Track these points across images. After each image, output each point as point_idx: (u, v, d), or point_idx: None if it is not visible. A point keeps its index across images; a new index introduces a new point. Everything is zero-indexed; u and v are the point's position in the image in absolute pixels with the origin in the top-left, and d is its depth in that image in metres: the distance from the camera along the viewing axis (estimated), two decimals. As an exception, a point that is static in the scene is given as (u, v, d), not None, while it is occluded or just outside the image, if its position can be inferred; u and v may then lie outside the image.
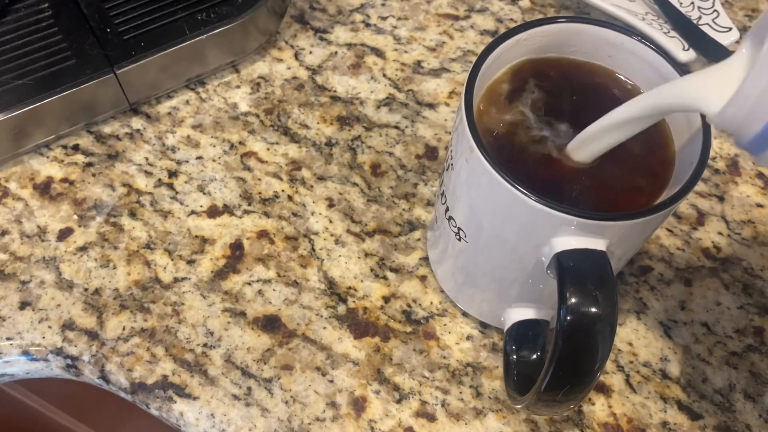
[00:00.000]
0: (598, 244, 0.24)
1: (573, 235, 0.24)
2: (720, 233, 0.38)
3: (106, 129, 0.40)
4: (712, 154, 0.41)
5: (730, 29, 0.42)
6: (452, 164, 0.28)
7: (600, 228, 0.24)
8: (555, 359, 0.24)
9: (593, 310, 0.24)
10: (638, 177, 0.27)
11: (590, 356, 0.24)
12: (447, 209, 0.30)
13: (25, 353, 0.34)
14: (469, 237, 0.29)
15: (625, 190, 0.27)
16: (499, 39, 0.27)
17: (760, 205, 0.39)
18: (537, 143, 0.28)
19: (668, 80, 0.27)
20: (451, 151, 0.28)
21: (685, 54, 0.41)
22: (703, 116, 0.26)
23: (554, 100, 0.29)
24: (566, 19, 0.28)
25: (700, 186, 0.40)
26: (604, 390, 0.34)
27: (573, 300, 0.24)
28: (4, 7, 0.39)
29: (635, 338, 0.35)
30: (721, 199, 0.39)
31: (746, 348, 0.35)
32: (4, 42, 0.38)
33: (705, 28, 0.42)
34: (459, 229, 0.29)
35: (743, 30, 0.45)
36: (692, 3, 0.44)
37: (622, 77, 0.29)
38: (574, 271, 0.24)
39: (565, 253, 0.24)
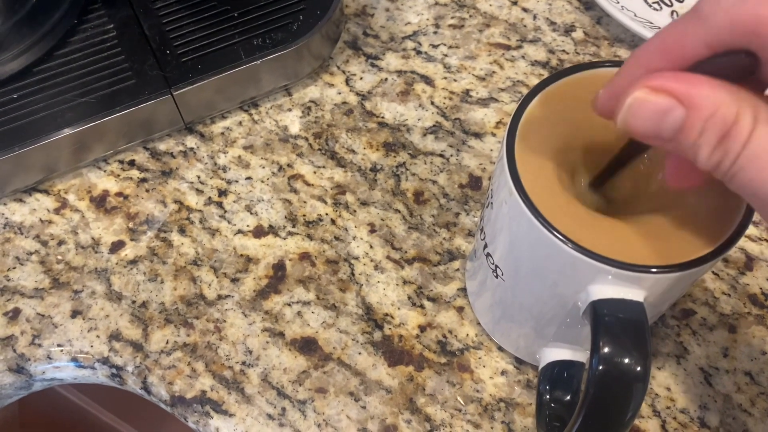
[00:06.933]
0: (635, 294, 0.24)
1: (610, 284, 0.24)
2: (769, 279, 0.37)
3: (162, 146, 0.42)
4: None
5: None
6: (492, 202, 0.28)
7: (637, 279, 0.24)
8: (585, 407, 0.24)
9: (626, 361, 0.23)
10: (697, 221, 0.25)
11: (621, 407, 0.24)
12: (485, 245, 0.30)
13: (74, 360, 0.35)
14: (507, 276, 0.29)
15: (677, 234, 0.24)
16: (550, 78, 0.27)
17: (813, 253, 0.38)
18: (582, 175, 0.27)
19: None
20: (492, 189, 0.28)
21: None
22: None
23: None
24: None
25: (750, 230, 0.39)
26: (639, 435, 0.33)
27: (606, 350, 0.23)
28: (73, 26, 0.41)
29: (674, 383, 0.34)
30: (772, 244, 0.38)
31: (791, 401, 0.34)
32: (72, 60, 0.40)
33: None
34: (496, 266, 0.29)
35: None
36: None
37: None
38: (609, 320, 0.24)
39: (601, 302, 0.24)
